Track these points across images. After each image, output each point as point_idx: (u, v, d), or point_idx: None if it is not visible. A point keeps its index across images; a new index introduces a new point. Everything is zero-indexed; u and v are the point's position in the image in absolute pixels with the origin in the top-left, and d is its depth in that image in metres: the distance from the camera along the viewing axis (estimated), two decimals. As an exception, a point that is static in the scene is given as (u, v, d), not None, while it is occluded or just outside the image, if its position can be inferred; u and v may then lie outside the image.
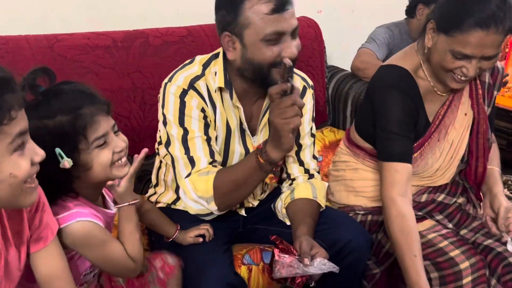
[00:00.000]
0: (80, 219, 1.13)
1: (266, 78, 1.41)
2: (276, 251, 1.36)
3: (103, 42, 1.85)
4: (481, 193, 1.75)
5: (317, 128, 2.36)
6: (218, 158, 1.51)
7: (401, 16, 2.60)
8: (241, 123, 1.56)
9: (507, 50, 3.17)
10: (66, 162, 1.05)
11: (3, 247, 0.98)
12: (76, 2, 1.99)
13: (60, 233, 1.12)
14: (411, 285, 1.49)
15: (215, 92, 1.50)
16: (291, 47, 1.38)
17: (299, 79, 1.65)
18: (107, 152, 1.14)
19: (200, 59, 1.54)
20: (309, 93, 1.65)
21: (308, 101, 1.64)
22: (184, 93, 1.46)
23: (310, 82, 1.68)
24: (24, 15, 1.89)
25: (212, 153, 1.49)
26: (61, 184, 1.12)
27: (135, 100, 1.88)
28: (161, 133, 1.53)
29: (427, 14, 1.58)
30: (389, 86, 1.61)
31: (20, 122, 0.88)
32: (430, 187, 1.73)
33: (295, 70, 1.58)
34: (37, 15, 1.92)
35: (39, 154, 0.93)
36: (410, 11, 2.54)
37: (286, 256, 1.36)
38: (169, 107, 1.47)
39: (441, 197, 1.71)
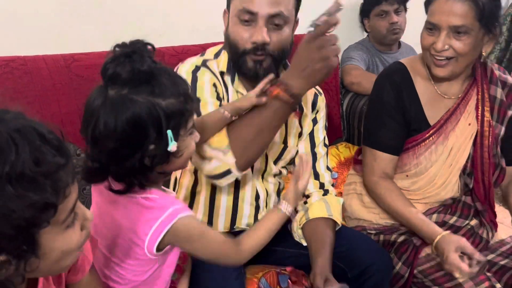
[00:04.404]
0: (181, 215, 1.07)
1: (241, 65, 1.42)
2: (290, 284, 1.37)
3: (120, 61, 1.86)
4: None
5: (332, 144, 2.37)
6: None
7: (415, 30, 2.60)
8: None
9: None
10: (175, 146, 1.01)
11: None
12: (92, 19, 2.01)
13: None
14: (429, 237, 1.54)
15: (224, 76, 1.49)
16: (260, 32, 1.37)
17: None
18: (193, 141, 1.11)
19: (212, 49, 1.55)
20: (322, 100, 1.65)
21: (321, 108, 1.65)
22: (196, 69, 1.45)
23: (320, 89, 1.67)
24: (41, 34, 1.91)
25: None
26: (142, 173, 1.05)
27: (151, 118, 1.88)
28: None
29: None
30: (383, 76, 1.74)
31: (72, 195, 0.78)
32: (440, 207, 1.72)
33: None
34: (53, 33, 1.94)
35: (89, 218, 0.86)
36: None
37: None
38: None
39: (452, 220, 1.70)
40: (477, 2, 1.49)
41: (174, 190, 1.69)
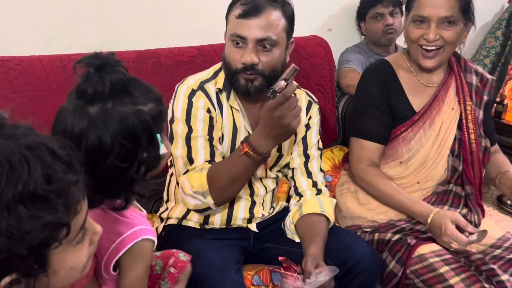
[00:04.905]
0: (146, 237, 1.07)
1: (234, 83, 1.53)
2: (282, 271, 1.40)
3: (115, 62, 1.86)
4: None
5: (327, 147, 2.37)
6: (218, 159, 1.57)
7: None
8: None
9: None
10: (164, 148, 1.02)
11: None
12: (89, 20, 2.01)
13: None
14: (423, 214, 1.66)
15: (221, 93, 1.60)
16: (249, 54, 1.48)
17: (304, 95, 1.73)
18: (168, 142, 1.12)
19: (214, 66, 1.66)
20: (315, 107, 1.74)
21: (315, 115, 1.73)
22: (192, 93, 1.57)
23: (315, 98, 1.76)
24: (37, 34, 1.91)
25: (212, 154, 1.56)
26: (130, 184, 1.03)
27: (146, 119, 1.88)
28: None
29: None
30: (368, 70, 1.87)
31: (83, 211, 0.77)
32: (432, 196, 1.79)
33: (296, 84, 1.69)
34: (49, 33, 1.94)
35: (98, 232, 0.84)
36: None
37: (290, 275, 1.41)
38: (178, 105, 1.56)
39: (445, 209, 1.76)
40: None
41: (168, 190, 1.73)
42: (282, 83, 1.34)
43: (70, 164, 0.74)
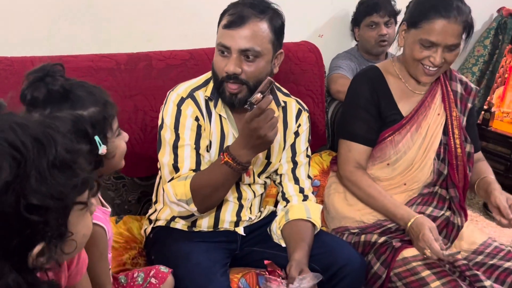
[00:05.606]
0: (95, 221, 1.12)
1: (221, 93, 1.56)
2: (266, 274, 1.42)
3: (107, 64, 1.87)
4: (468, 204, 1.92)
5: (316, 152, 2.39)
6: (204, 167, 1.59)
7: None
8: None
9: (506, 75, 3.21)
10: (105, 148, 1.09)
11: None
12: (81, 21, 2.01)
13: None
14: (404, 218, 1.70)
15: (211, 101, 1.62)
16: (230, 64, 1.51)
17: (294, 103, 1.75)
18: (122, 141, 1.20)
19: (206, 73, 1.68)
20: (305, 115, 1.76)
21: (304, 123, 1.75)
22: (181, 101, 1.60)
23: (305, 106, 1.78)
24: (29, 35, 1.91)
25: (198, 163, 1.58)
26: None
27: (137, 122, 1.90)
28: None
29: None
30: (358, 75, 1.95)
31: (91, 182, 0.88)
32: (418, 198, 1.84)
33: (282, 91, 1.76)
34: (42, 35, 1.94)
35: (94, 203, 0.92)
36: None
37: (274, 279, 1.44)
38: (168, 112, 1.59)
39: (429, 210, 1.82)
40: (469, 23, 1.72)
41: (157, 191, 1.75)
42: (258, 95, 1.38)
43: (72, 139, 0.85)
